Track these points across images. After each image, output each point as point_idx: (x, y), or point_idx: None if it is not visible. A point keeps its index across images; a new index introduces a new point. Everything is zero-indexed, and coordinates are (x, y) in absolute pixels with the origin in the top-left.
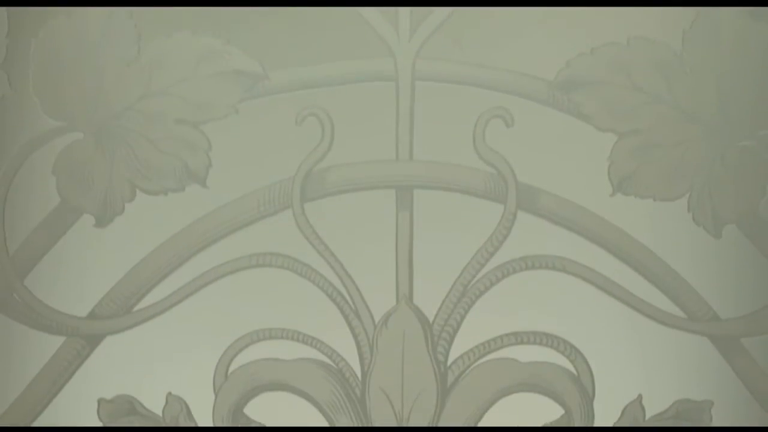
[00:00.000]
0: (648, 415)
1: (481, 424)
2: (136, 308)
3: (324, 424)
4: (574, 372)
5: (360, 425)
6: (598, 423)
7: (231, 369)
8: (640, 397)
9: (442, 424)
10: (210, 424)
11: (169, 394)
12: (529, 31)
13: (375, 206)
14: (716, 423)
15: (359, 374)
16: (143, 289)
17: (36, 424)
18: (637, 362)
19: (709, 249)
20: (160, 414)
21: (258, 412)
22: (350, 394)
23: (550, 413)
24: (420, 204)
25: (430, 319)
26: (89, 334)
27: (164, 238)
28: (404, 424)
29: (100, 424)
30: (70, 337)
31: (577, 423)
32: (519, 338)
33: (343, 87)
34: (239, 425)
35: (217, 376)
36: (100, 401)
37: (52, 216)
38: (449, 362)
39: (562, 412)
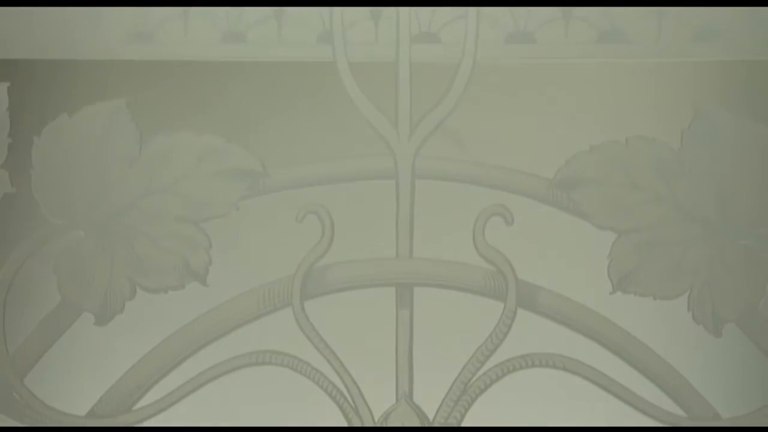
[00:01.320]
0: None
1: None
2: (135, 407)
3: None
4: None
5: None
6: None
7: None
8: None
9: None
10: None
11: None
12: (528, 129)
13: (375, 304)
14: None
15: None
16: (143, 387)
17: None
18: None
19: (709, 347)
20: None
21: None
22: None
23: None
24: (420, 301)
25: (431, 417)
26: None
27: (164, 336)
28: None
29: None
30: None
31: None
32: None
33: (344, 185)
34: None
35: None
36: None
37: (53, 315)
38: None
39: None
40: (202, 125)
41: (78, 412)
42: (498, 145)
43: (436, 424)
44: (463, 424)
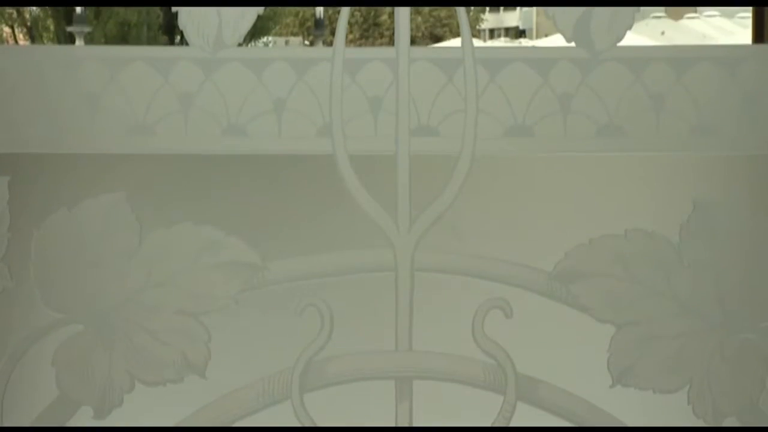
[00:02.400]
0: None
1: None
2: None
3: None
4: None
5: None
6: None
7: None
8: None
9: None
10: None
11: None
12: (527, 222)
13: (375, 397)
14: None
15: None
16: None
17: None
18: None
19: None
20: None
21: None
22: None
23: None
24: (419, 395)
25: None
26: None
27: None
28: None
29: None
30: None
31: None
32: None
33: (343, 278)
34: None
35: None
36: None
37: (51, 408)
38: None
39: None
40: (201, 218)
41: None
42: (497, 237)
43: None
44: None
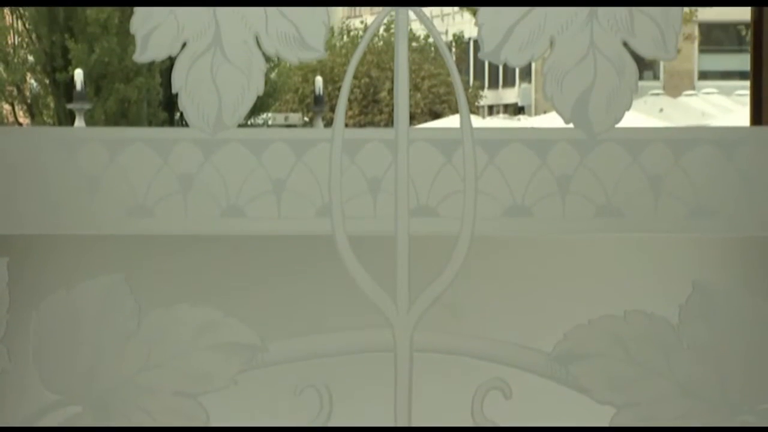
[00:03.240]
0: None
1: None
2: None
3: None
4: None
5: None
6: None
7: None
8: None
9: None
10: None
11: None
12: (526, 302)
13: None
14: None
15: None
16: None
17: None
18: None
19: None
20: None
21: None
22: None
23: None
24: None
25: None
26: None
27: None
28: None
29: None
30: None
31: None
32: None
33: (342, 358)
34: None
35: None
36: None
37: None
38: None
39: None
40: (200, 299)
41: None
42: (496, 318)
43: None
44: None
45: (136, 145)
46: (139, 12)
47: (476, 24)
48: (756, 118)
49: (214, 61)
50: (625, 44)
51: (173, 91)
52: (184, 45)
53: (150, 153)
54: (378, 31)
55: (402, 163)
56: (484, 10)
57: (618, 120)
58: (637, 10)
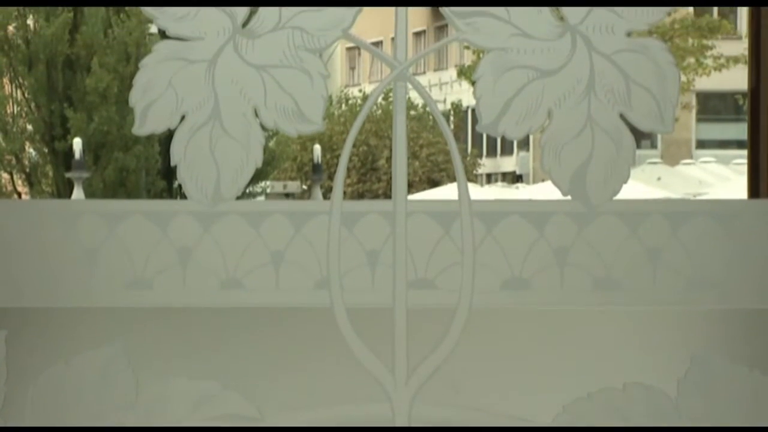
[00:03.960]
0: None
1: None
2: None
3: None
4: None
5: None
6: None
7: None
8: None
9: None
10: None
11: None
12: (525, 375)
13: None
14: None
15: None
16: None
17: None
18: None
19: None
20: None
21: None
22: None
23: None
24: None
25: None
26: None
27: None
28: None
29: None
30: None
31: None
32: None
33: None
34: None
35: None
36: None
37: None
38: None
39: None
40: (198, 371)
41: None
42: (495, 390)
43: None
44: None
45: (135, 217)
46: (138, 84)
47: (474, 95)
48: (753, 188)
49: (213, 133)
50: (623, 117)
51: (172, 163)
52: (183, 117)
53: (148, 226)
54: (377, 100)
55: (400, 235)
56: (482, 82)
57: (616, 192)
58: (634, 83)
